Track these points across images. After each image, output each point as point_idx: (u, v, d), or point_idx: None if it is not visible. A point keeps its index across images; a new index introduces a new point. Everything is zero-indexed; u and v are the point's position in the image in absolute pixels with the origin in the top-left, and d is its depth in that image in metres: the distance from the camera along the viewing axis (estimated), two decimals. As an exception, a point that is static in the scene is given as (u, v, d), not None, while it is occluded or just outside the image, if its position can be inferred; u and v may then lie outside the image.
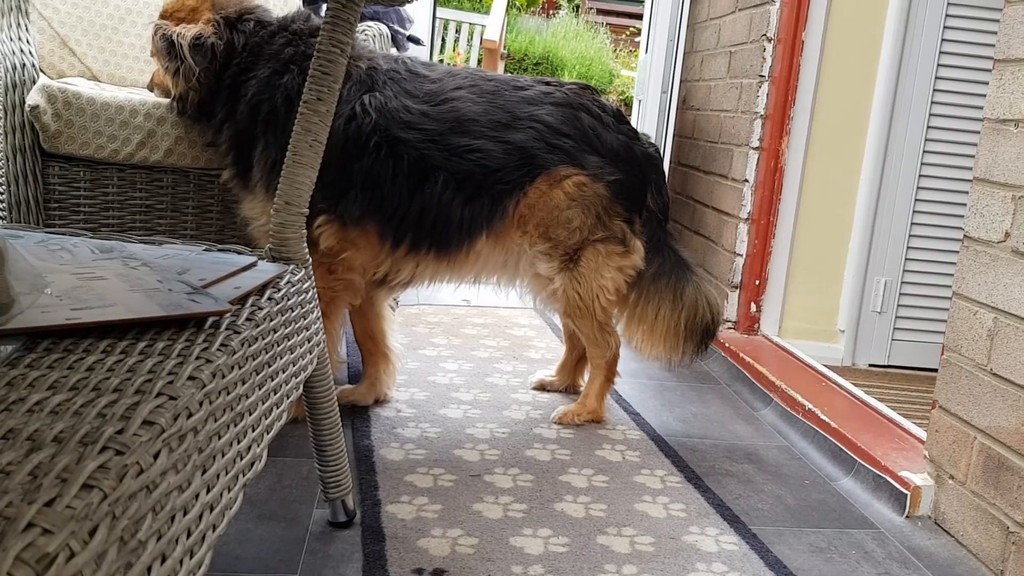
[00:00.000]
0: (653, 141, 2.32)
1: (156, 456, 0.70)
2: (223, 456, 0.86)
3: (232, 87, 2.06)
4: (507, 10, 8.94)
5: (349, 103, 2.00)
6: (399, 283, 2.18)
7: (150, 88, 2.26)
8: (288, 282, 1.25)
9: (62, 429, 0.68)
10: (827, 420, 2.23)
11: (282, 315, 1.16)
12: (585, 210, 2.12)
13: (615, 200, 2.14)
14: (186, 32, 2.03)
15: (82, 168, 2.12)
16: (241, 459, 0.92)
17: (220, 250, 1.34)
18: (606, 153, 2.15)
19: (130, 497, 0.65)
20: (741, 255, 3.03)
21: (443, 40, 9.59)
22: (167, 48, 2.05)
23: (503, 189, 2.08)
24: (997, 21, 1.69)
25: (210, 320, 0.98)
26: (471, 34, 9.68)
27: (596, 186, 2.12)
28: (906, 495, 1.89)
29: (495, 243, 2.13)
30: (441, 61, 9.46)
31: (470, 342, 2.88)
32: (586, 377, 2.39)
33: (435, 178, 2.02)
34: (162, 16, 2.11)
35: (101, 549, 0.59)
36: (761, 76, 2.94)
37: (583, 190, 2.11)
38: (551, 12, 12.94)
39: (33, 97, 2.05)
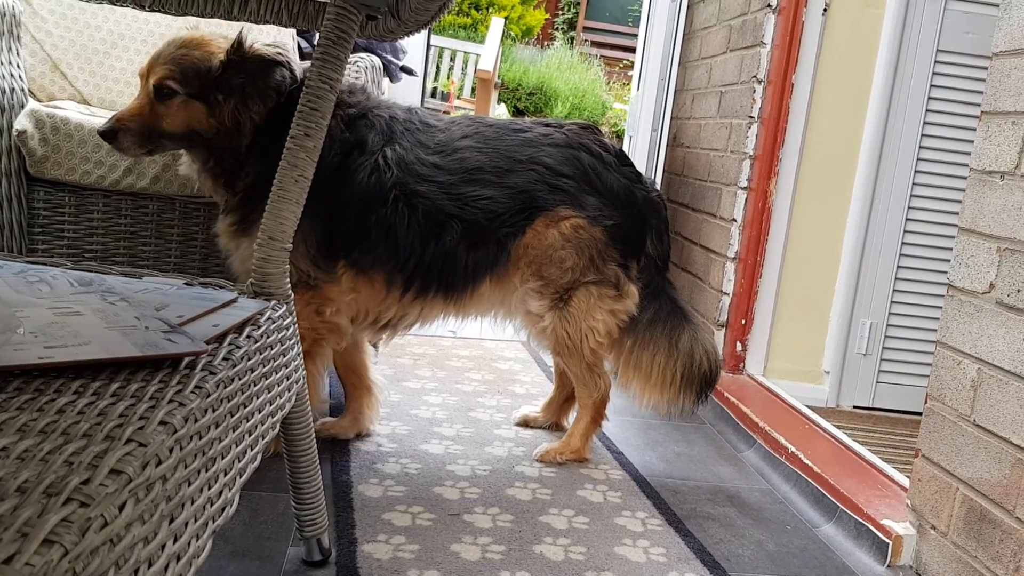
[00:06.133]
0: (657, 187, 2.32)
1: (122, 508, 0.68)
2: (192, 503, 0.84)
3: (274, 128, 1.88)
4: (502, 40, 9.00)
5: (373, 154, 2.01)
6: (404, 326, 2.18)
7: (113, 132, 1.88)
8: (268, 319, 1.23)
9: (26, 479, 0.67)
10: (810, 464, 2.22)
11: (260, 353, 1.14)
12: (579, 252, 2.12)
13: (611, 244, 2.14)
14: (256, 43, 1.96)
15: (67, 194, 2.11)
16: (211, 505, 0.90)
17: (201, 284, 1.32)
18: (606, 193, 2.15)
19: (92, 552, 0.63)
20: (728, 294, 3.03)
21: (437, 68, 9.65)
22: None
23: (508, 232, 2.10)
24: (983, 69, 1.71)
25: (186, 360, 0.97)
26: (465, 63, 9.74)
27: (593, 229, 2.12)
28: (888, 544, 1.88)
29: (498, 283, 2.15)
30: (435, 88, 9.50)
31: (455, 375, 2.86)
32: (572, 418, 2.37)
33: (447, 227, 2.04)
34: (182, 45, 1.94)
35: (58, 609, 0.58)
36: (751, 117, 2.96)
37: (579, 232, 2.11)
38: (546, 43, 13.05)
39: (21, 122, 2.04)
